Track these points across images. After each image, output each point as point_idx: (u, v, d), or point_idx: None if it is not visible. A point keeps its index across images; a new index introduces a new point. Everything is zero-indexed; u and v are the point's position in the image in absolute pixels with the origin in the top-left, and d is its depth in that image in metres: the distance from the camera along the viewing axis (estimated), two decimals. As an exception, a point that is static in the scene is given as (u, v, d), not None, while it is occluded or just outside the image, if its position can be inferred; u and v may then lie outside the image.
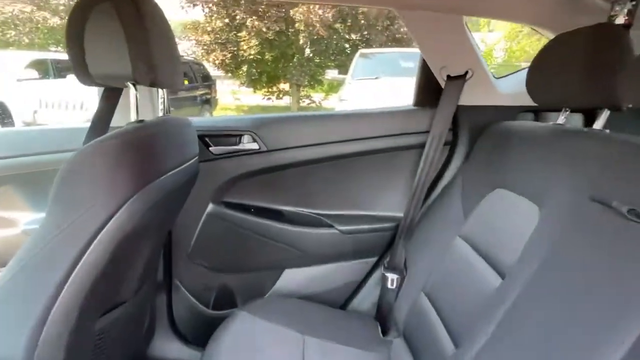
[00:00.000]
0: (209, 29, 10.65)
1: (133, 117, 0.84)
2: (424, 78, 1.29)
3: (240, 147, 1.29)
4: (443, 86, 1.20)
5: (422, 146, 1.24)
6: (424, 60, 1.26)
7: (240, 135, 1.29)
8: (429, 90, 1.28)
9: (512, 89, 1.21)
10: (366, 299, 1.36)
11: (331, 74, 6.69)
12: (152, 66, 0.82)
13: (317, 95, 11.41)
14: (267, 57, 10.87)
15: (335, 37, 10.71)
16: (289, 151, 1.31)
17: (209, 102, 8.41)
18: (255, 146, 1.29)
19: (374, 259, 1.36)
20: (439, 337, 0.94)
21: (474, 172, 1.12)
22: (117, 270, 0.85)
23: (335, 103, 7.02)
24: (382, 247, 1.35)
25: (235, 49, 10.65)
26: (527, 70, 0.97)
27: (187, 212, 1.16)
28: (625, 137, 0.76)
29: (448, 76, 1.18)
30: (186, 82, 7.70)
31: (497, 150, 1.06)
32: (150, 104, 1.26)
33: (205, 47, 10.68)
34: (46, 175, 1.24)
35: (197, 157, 1.07)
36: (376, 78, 5.81)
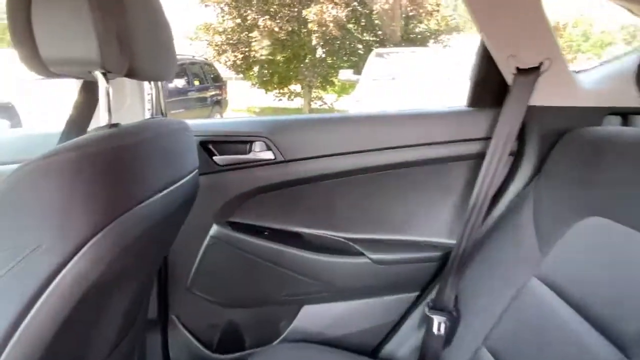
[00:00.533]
0: (220, 29, 10.51)
1: (103, 120, 0.60)
2: (483, 72, 1.03)
3: (251, 156, 1.05)
4: (510, 81, 0.94)
5: (479, 156, 0.98)
6: (483, 49, 1.00)
7: (252, 142, 1.05)
8: (490, 87, 1.02)
9: (597, 86, 0.95)
10: (404, 345, 1.10)
11: (346, 74, 6.45)
12: (129, 50, 0.58)
13: (329, 97, 11.21)
14: (278, 57, 10.72)
15: (348, 37, 10.52)
16: (311, 162, 1.06)
17: (219, 103, 8.24)
18: (269, 155, 1.05)
19: (413, 295, 1.11)
20: None
21: (551, 191, 0.87)
22: (79, 333, 0.62)
23: (349, 104, 6.79)
24: (425, 281, 1.09)
25: (246, 49, 10.49)
26: (623, 60, 0.72)
27: (185, 234, 0.92)
28: None
29: (517, 68, 0.92)
30: (197, 83, 7.55)
31: (585, 165, 0.81)
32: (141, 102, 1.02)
33: (216, 48, 10.55)
34: None
35: (196, 171, 0.83)
36: (393, 78, 5.56)
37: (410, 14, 10.32)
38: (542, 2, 0.87)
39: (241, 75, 11.31)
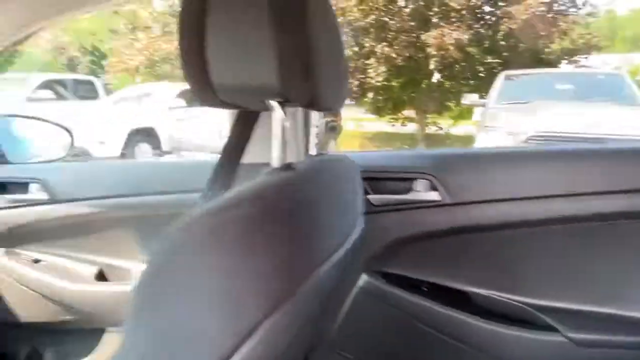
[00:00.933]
0: (336, 57, 10.80)
1: (276, 161, 0.49)
2: None
3: (411, 196, 0.89)
4: None
5: None
6: None
7: (413, 179, 0.89)
8: None
9: None
10: None
11: (470, 98, 6.08)
12: (312, 78, 0.47)
13: (444, 122, 10.80)
14: (393, 83, 10.65)
15: (468, 60, 10.10)
16: (486, 206, 0.86)
17: (334, 129, 8.33)
18: (434, 196, 0.88)
19: None
20: None
21: None
22: None
23: (471, 130, 6.36)
24: None
25: (362, 76, 10.59)
26: None
27: None
28: None
29: None
30: (314, 110, 7.76)
31: None
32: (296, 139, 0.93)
33: (331, 77, 10.83)
34: (168, 219, 1.00)
35: (362, 216, 0.69)
36: (525, 102, 5.06)
37: (542, 33, 9.54)
38: None
39: (353, 102, 11.47)
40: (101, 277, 1.07)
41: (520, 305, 0.86)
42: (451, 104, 10.83)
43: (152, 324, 0.41)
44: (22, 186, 1.07)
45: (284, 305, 0.41)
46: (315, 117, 0.68)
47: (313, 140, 0.66)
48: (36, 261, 1.06)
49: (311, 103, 0.49)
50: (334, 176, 0.57)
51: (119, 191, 1.06)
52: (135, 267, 1.05)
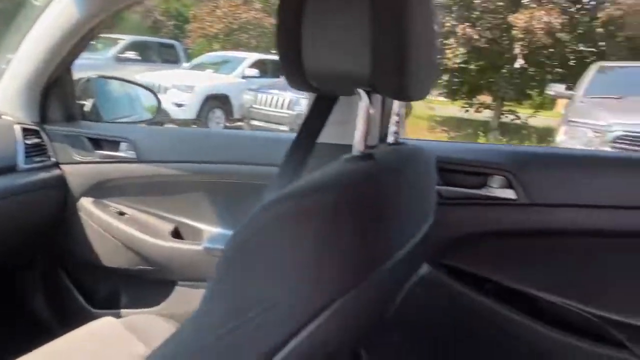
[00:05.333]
0: (414, 37, 10.46)
1: (358, 147, 0.49)
2: None
3: (485, 192, 0.86)
4: None
5: None
6: None
7: (489, 175, 0.86)
8: None
9: None
10: None
11: (556, 88, 5.65)
12: (402, 68, 0.46)
13: (523, 111, 10.19)
14: (471, 66, 10.16)
15: (558, 47, 9.35)
16: (567, 210, 0.82)
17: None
18: (510, 194, 0.84)
19: None
20: None
21: None
22: None
23: (552, 124, 5.94)
24: None
25: (440, 57, 10.21)
26: None
27: None
28: None
29: None
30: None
31: None
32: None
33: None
34: (242, 188, 1.05)
35: (434, 207, 0.69)
36: (619, 97, 4.62)
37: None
38: None
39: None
40: (176, 234, 1.15)
41: (593, 318, 0.81)
42: (533, 93, 10.19)
43: (232, 293, 0.44)
44: (114, 144, 1.16)
45: (358, 286, 0.42)
46: (396, 105, 0.67)
47: (392, 128, 0.66)
48: (121, 213, 1.16)
49: (398, 94, 0.49)
50: (412, 166, 0.56)
51: (199, 157, 1.12)
52: (207, 228, 1.12)
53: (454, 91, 10.68)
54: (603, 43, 9.24)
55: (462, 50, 9.83)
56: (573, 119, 4.45)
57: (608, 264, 0.82)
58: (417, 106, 9.89)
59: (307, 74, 0.48)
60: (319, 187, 0.42)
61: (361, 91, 0.48)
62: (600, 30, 9.22)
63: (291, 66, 0.49)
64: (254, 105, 6.72)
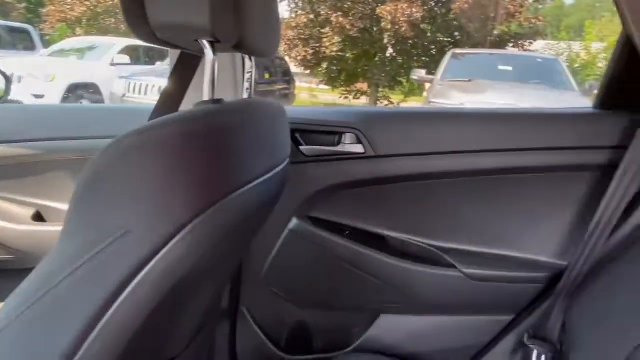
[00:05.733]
0: (293, 24, 10.64)
1: (206, 95, 0.55)
2: (622, 69, 0.88)
3: (339, 148, 0.98)
4: None
5: (610, 167, 0.84)
6: (625, 42, 0.86)
7: (342, 133, 0.98)
8: (627, 88, 0.88)
9: None
10: (493, 373, 0.99)
11: (418, 73, 6.25)
12: (241, 20, 0.53)
13: (396, 97, 11.02)
14: (348, 55, 10.67)
15: (421, 37, 10.27)
16: (405, 159, 0.97)
17: (287, 97, 8.32)
18: (360, 149, 0.97)
19: (508, 318, 0.99)
20: None
21: None
22: (164, 323, 0.57)
23: (419, 105, 6.57)
24: (524, 303, 0.96)
25: (317, 45, 10.53)
26: None
27: (264, 226, 0.86)
28: None
29: None
30: (267, 76, 7.66)
31: None
32: (232, 84, 0.98)
33: (288, 43, 10.68)
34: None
35: (288, 160, 0.77)
36: (469, 80, 5.30)
37: (491, 15, 9.86)
38: None
39: (308, 71, 11.42)
40: (39, 218, 1.08)
41: (427, 247, 0.98)
42: (403, 80, 11.03)
43: (86, 226, 0.47)
44: None
45: (206, 213, 0.48)
46: (248, 64, 0.73)
47: (245, 85, 0.72)
48: None
49: (240, 45, 0.55)
50: (261, 113, 0.63)
51: (56, 134, 1.07)
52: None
53: (333, 79, 11.14)
54: (457, 33, 10.39)
55: (337, 38, 10.27)
56: (433, 100, 5.00)
57: (440, 202, 0.99)
58: (300, 95, 10.15)
59: (152, 26, 0.52)
60: (166, 122, 0.47)
61: (205, 42, 0.53)
62: (454, 22, 10.32)
63: (136, 20, 0.52)
64: (128, 94, 6.28)
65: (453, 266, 0.96)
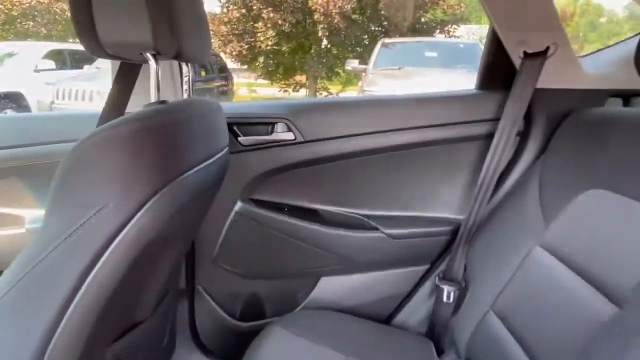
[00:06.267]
0: (225, 19, 10.53)
1: (153, 97, 0.68)
2: (492, 56, 1.10)
3: (273, 137, 1.12)
4: (518, 65, 1.00)
5: (488, 137, 1.05)
6: (493, 35, 1.07)
7: (274, 124, 1.12)
8: (498, 71, 1.09)
9: (600, 70, 1.01)
10: (415, 313, 1.18)
11: (351, 64, 6.49)
12: (177, 34, 0.66)
13: (334, 88, 11.24)
14: (284, 48, 10.74)
15: (353, 28, 10.53)
16: (330, 142, 1.13)
17: (225, 94, 8.29)
18: (290, 136, 1.12)
19: (424, 267, 1.19)
20: None
21: (556, 167, 0.93)
22: (134, 287, 0.70)
23: (356, 94, 6.81)
24: (436, 254, 1.17)
25: (252, 40, 10.52)
26: (625, 44, 0.78)
27: (212, 210, 0.99)
28: None
29: (525, 53, 0.98)
30: (203, 74, 7.59)
31: (588, 142, 0.87)
32: (171, 86, 1.09)
33: (222, 38, 10.57)
34: (55, 167, 1.10)
35: (227, 148, 0.91)
36: (399, 68, 5.60)
37: (417, 3, 10.30)
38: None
39: (246, 66, 11.37)
40: None
41: (354, 215, 1.16)
42: (340, 70, 11.27)
43: (67, 207, 0.59)
44: None
45: (162, 191, 0.61)
46: (185, 69, 0.85)
47: (184, 87, 0.84)
48: None
49: (179, 55, 0.68)
50: (200, 110, 0.76)
51: (7, 142, 1.13)
52: (28, 213, 1.15)
53: (271, 73, 11.17)
54: (387, 23, 10.76)
55: (272, 32, 10.31)
56: (366, 89, 5.25)
57: (360, 177, 1.17)
58: (239, 90, 10.11)
59: (102, 43, 0.64)
60: (128, 120, 0.59)
61: (148, 55, 0.65)
62: (383, 12, 10.67)
63: (88, 37, 0.63)
64: (56, 101, 6.03)
65: (376, 229, 1.14)
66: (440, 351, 1.06)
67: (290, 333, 0.96)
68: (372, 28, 11.07)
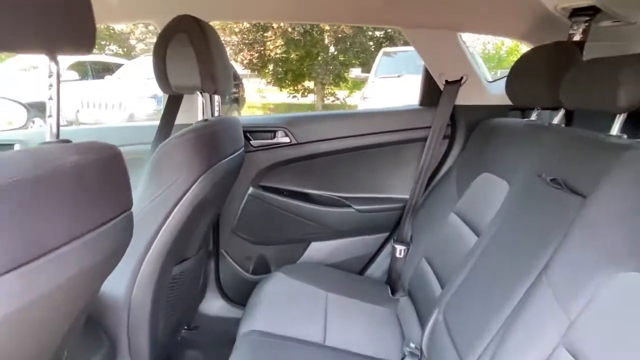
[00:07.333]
0: (236, 29, 11.01)
1: (200, 117, 1.13)
2: (427, 82, 1.55)
3: (275, 140, 1.57)
4: (442, 89, 1.45)
5: (424, 139, 1.49)
6: (426, 68, 1.51)
7: (275, 131, 1.57)
8: (432, 92, 1.53)
9: (500, 91, 1.45)
10: (379, 268, 1.62)
11: (354, 72, 6.92)
12: (214, 79, 1.11)
13: (341, 93, 11.64)
14: (292, 56, 11.16)
15: (359, 35, 10.91)
16: (316, 144, 1.58)
17: (237, 100, 8.75)
18: (287, 140, 1.57)
19: (385, 234, 1.63)
20: (432, 288, 1.20)
21: (468, 160, 1.37)
22: (188, 231, 1.15)
23: (359, 101, 7.25)
24: (392, 223, 1.61)
25: (262, 48, 10.99)
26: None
27: (232, 194, 1.45)
28: (571, 130, 1.00)
29: (446, 81, 1.43)
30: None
31: (485, 142, 1.30)
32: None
33: (233, 47, 11.05)
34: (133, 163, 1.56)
35: (243, 148, 1.36)
36: (398, 76, 5.98)
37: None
38: (460, 36, 1.37)
39: (256, 73, 11.83)
40: None
41: (334, 197, 1.61)
42: (347, 76, 11.68)
43: (155, 177, 1.04)
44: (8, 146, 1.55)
45: (207, 172, 1.05)
46: (216, 97, 1.31)
47: (215, 109, 1.30)
48: None
49: (215, 92, 1.13)
50: (226, 124, 1.21)
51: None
52: None
53: (281, 79, 11.61)
54: (391, 30, 11.17)
55: (280, 41, 10.78)
56: (367, 96, 5.69)
57: (338, 168, 1.61)
58: (250, 96, 10.57)
59: (171, 85, 1.08)
60: (189, 131, 1.03)
61: (197, 92, 1.10)
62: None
63: (162, 80, 1.08)
64: (81, 110, 6.57)
65: (349, 206, 1.59)
66: (394, 292, 1.50)
67: (286, 277, 1.40)
68: (378, 35, 11.46)
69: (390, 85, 5.76)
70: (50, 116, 0.62)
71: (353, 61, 10.90)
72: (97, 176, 0.60)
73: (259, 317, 1.19)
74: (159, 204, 1.03)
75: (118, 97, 6.41)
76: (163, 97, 1.49)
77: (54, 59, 0.59)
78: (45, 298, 0.51)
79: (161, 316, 1.14)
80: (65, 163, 0.53)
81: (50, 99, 0.61)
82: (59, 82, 0.61)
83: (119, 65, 7.99)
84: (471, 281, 0.96)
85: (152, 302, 1.06)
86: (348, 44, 10.93)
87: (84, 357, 0.93)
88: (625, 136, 0.82)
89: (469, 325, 0.87)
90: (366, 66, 9.13)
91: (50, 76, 0.60)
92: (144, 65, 6.52)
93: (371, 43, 11.43)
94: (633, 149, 0.69)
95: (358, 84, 11.99)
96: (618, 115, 0.82)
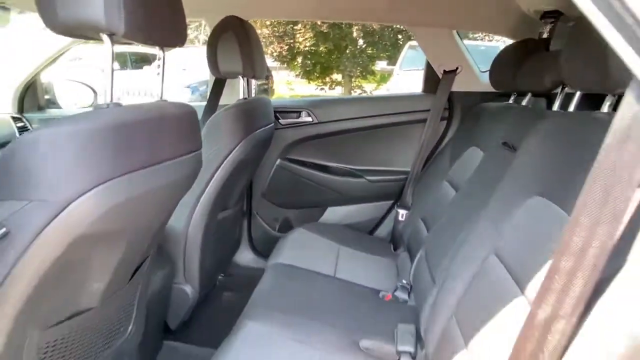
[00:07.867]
0: (267, 22, 11.32)
1: (241, 96, 1.44)
2: (429, 72, 1.81)
3: (299, 119, 1.88)
4: (441, 77, 1.71)
5: (425, 121, 1.77)
6: (428, 60, 1.78)
7: (300, 112, 1.88)
8: (433, 81, 1.80)
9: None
10: (385, 229, 1.91)
11: (380, 65, 7.14)
12: (253, 66, 1.41)
13: (368, 86, 11.82)
14: (321, 48, 11.37)
15: (387, 28, 11.04)
16: (334, 123, 1.88)
17: (266, 91, 9.10)
18: (310, 119, 1.87)
19: (391, 201, 1.91)
20: (424, 240, 1.48)
21: (460, 137, 1.64)
22: (230, 184, 1.46)
23: (382, 93, 7.47)
24: (397, 192, 1.89)
25: (291, 41, 11.26)
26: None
27: (263, 165, 1.77)
28: (534, 108, 1.26)
29: (444, 70, 1.69)
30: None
31: (475, 122, 1.57)
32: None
33: (264, 40, 11.35)
34: None
35: (273, 124, 1.67)
36: (421, 69, 6.16)
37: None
38: (456, 32, 1.63)
39: (285, 65, 12.13)
40: None
41: (349, 168, 1.90)
42: (374, 69, 11.83)
43: (206, 144, 1.36)
44: None
45: (249, 136, 1.37)
46: (253, 81, 1.62)
47: (253, 91, 1.61)
48: None
49: (253, 77, 1.44)
50: (261, 102, 1.51)
51: None
52: None
53: (309, 72, 11.86)
54: (419, 24, 11.24)
55: (310, 34, 11.02)
56: (389, 88, 5.92)
57: (352, 144, 1.90)
58: (279, 88, 10.90)
59: (221, 71, 1.40)
60: (232, 108, 1.35)
61: (240, 77, 1.41)
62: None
63: (214, 68, 1.39)
64: (121, 97, 7.05)
65: (362, 177, 1.88)
66: (396, 248, 1.79)
67: (307, 231, 1.71)
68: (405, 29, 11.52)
69: (414, 78, 5.96)
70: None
71: (381, 54, 11.05)
72: (185, 123, 0.89)
73: (283, 256, 1.50)
74: (211, 160, 1.34)
75: (157, 86, 6.83)
76: (209, 79, 1.81)
77: (161, 49, 0.88)
78: (149, 194, 0.75)
79: (208, 252, 1.47)
80: (171, 112, 0.83)
81: (158, 74, 0.92)
82: (163, 65, 0.91)
83: (155, 56, 8.41)
84: (444, 224, 1.24)
85: (202, 237, 1.38)
86: (376, 37, 11.06)
87: (153, 270, 1.26)
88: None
89: (438, 254, 1.15)
90: (393, 59, 9.26)
91: (159, 59, 0.90)
92: (179, 56, 6.95)
93: (400, 36, 11.54)
94: (553, 116, 0.95)
95: (386, 77, 12.15)
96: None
